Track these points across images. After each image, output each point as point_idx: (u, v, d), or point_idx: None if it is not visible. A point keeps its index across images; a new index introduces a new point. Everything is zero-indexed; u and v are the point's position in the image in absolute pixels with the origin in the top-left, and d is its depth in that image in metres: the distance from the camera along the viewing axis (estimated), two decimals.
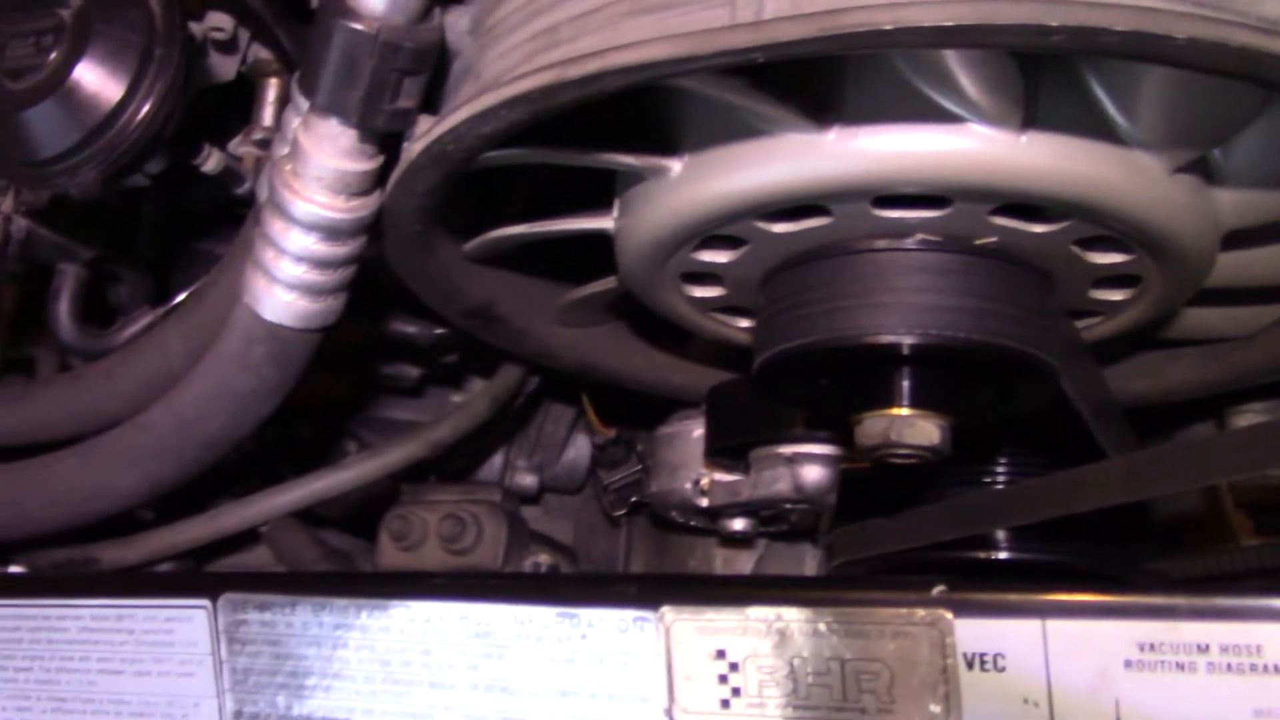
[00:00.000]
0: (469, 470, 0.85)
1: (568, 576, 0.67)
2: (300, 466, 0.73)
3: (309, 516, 0.75)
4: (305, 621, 0.50)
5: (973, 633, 0.40)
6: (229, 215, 0.69)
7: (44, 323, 0.68)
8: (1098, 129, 0.46)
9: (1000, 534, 0.66)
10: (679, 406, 0.77)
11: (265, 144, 0.62)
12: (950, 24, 0.36)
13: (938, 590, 0.41)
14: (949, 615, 0.40)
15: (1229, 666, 0.38)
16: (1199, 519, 0.77)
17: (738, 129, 0.48)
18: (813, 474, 0.68)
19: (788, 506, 0.71)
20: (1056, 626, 0.39)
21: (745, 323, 0.62)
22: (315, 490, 0.65)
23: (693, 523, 0.78)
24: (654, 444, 0.78)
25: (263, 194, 0.55)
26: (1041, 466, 0.68)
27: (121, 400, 0.60)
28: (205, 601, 0.51)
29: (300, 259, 0.50)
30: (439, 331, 0.71)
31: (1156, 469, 0.52)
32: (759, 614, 0.43)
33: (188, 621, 0.52)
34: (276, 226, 0.50)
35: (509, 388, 0.73)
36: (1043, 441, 0.69)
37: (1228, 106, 0.45)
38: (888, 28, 0.36)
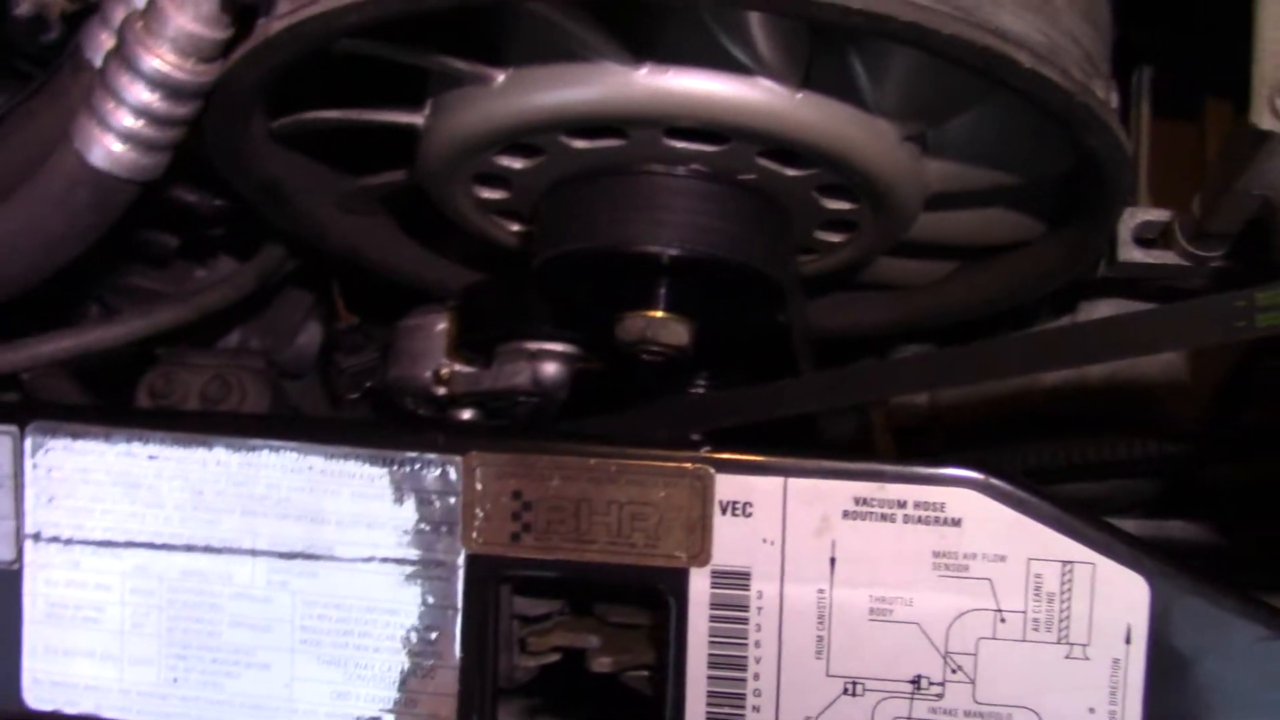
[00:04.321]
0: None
1: (382, 423, 0.72)
2: (42, 323, 0.74)
3: None
4: (119, 451, 0.53)
5: (729, 485, 0.50)
6: (11, 68, 0.70)
7: None
8: (853, 96, 0.57)
9: None
10: (419, 302, 0.83)
11: None
12: None
13: (704, 450, 0.50)
14: (712, 471, 0.50)
15: (919, 519, 0.49)
16: (853, 440, 0.91)
17: (561, 52, 0.55)
18: (551, 369, 0.76)
19: (521, 399, 0.78)
20: (795, 483, 0.50)
21: (516, 226, 0.69)
22: (84, 342, 0.67)
23: (421, 410, 0.84)
24: (396, 334, 0.83)
25: (91, 48, 0.57)
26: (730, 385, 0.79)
27: None
28: (12, 428, 0.54)
29: (140, 113, 0.53)
30: (218, 203, 0.73)
31: (842, 385, 0.64)
32: (553, 461, 0.51)
33: None
34: (121, 79, 0.53)
35: (274, 265, 0.77)
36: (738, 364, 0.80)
37: (953, 92, 0.56)
38: None
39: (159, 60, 0.52)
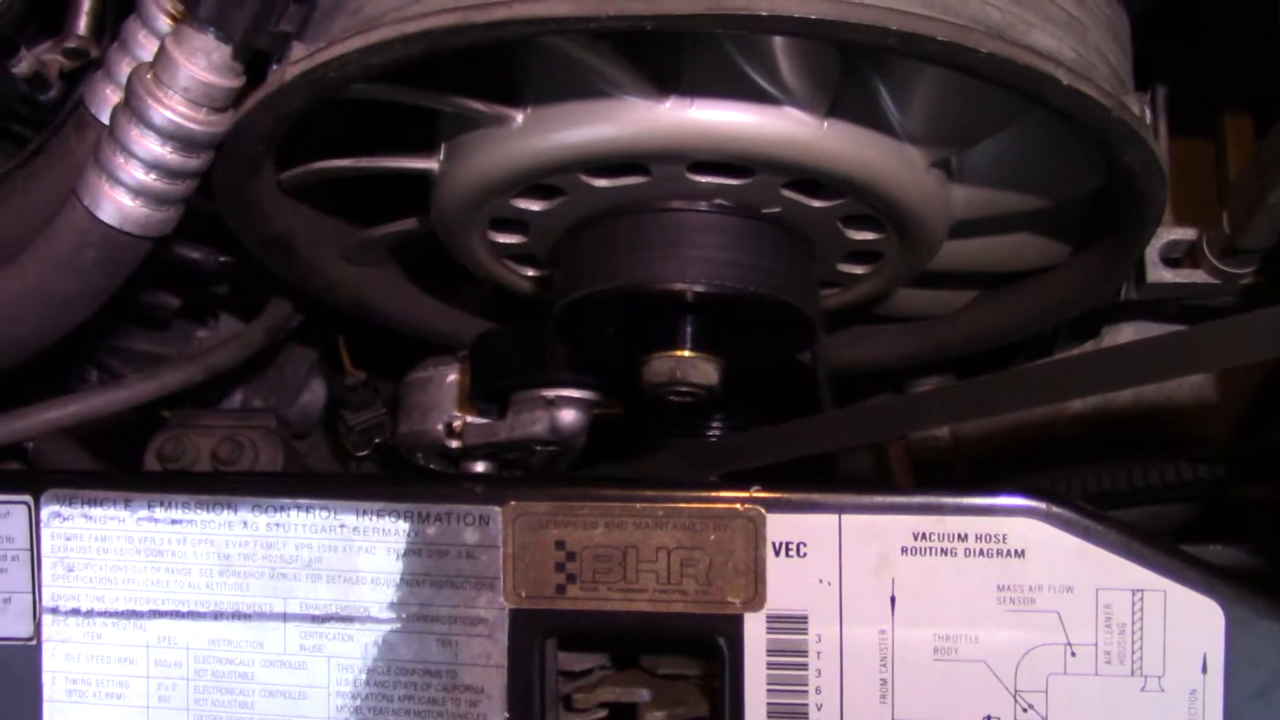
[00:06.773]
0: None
1: (417, 475, 0.70)
2: (38, 390, 0.72)
3: None
4: (140, 517, 0.51)
5: (781, 525, 0.48)
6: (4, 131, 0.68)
7: None
8: (879, 123, 0.55)
9: None
10: (429, 354, 0.81)
11: (77, 53, 0.61)
12: (814, 17, 0.44)
13: (754, 490, 0.49)
14: (763, 511, 0.48)
15: (981, 551, 0.48)
16: (872, 476, 0.90)
17: (582, 88, 0.54)
18: (569, 416, 0.74)
19: (538, 448, 0.76)
20: (850, 520, 0.48)
21: (532, 271, 0.68)
22: (92, 407, 0.65)
23: (433, 465, 0.81)
24: (405, 388, 0.81)
25: (96, 104, 0.55)
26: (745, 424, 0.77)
27: None
28: (26, 497, 0.51)
29: (152, 166, 0.52)
30: (223, 259, 0.72)
31: (867, 421, 0.62)
32: (597, 508, 0.49)
33: (4, 518, 0.52)
34: (131, 132, 0.51)
35: (280, 321, 0.75)
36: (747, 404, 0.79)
37: (981, 114, 0.55)
38: (764, 14, 0.44)
39: (170, 111, 0.50)
